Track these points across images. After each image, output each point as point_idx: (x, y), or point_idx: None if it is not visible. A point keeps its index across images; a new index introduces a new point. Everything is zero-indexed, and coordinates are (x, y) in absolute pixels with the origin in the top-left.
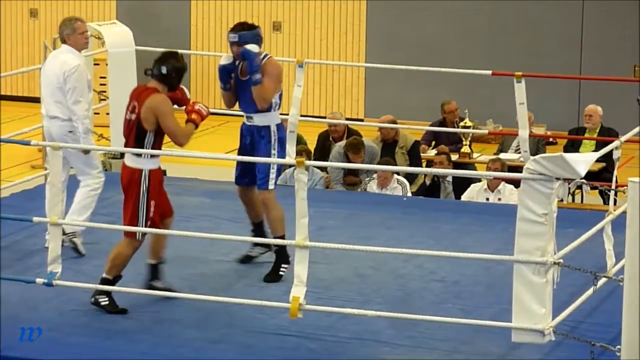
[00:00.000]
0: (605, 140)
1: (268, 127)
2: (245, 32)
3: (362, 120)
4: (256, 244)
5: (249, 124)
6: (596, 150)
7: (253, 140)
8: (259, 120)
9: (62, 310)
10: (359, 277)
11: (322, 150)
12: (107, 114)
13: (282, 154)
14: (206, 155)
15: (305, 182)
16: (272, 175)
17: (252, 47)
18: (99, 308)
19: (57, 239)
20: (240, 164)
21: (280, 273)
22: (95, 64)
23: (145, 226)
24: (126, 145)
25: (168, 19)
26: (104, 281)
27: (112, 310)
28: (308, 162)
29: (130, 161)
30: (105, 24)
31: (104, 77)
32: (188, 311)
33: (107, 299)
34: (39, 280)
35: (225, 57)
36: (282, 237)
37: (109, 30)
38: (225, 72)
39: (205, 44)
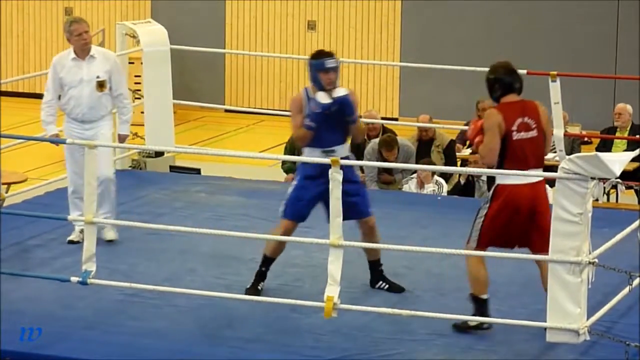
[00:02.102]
0: (631, 139)
1: (347, 157)
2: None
3: (396, 119)
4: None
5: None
6: (628, 149)
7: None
8: (341, 151)
9: (97, 308)
10: (393, 277)
11: (357, 149)
12: (142, 112)
13: None
14: (241, 154)
15: (340, 181)
16: None
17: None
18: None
19: (92, 237)
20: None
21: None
22: (130, 63)
23: None
24: (539, 166)
25: (203, 18)
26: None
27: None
28: (343, 161)
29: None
30: (140, 23)
31: (139, 76)
32: (223, 310)
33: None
34: (74, 278)
35: (323, 95)
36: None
37: (144, 29)
38: (323, 111)
39: (240, 43)
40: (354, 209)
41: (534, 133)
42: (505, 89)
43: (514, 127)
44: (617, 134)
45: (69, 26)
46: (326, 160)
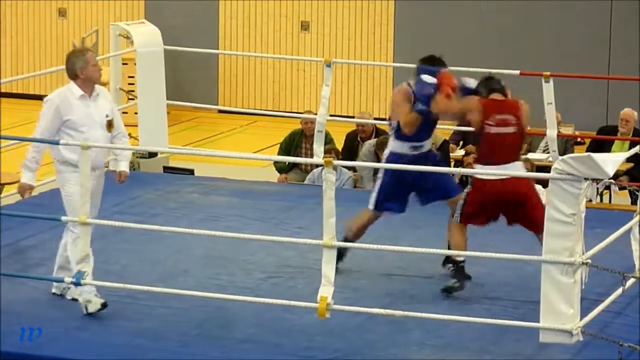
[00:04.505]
0: (635, 140)
1: (429, 151)
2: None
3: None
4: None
5: (416, 153)
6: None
7: (424, 164)
8: (427, 146)
9: None
10: (386, 277)
11: (350, 150)
12: (136, 113)
13: None
14: (234, 155)
15: (333, 181)
16: None
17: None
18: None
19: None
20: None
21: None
22: (123, 63)
23: None
24: (514, 159)
25: (196, 18)
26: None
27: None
28: (336, 162)
29: (519, 169)
30: (134, 24)
31: (132, 77)
32: (216, 311)
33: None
34: (68, 279)
35: (428, 77)
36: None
37: (138, 29)
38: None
39: (234, 43)
40: (440, 190)
41: (512, 129)
42: (489, 90)
43: (491, 122)
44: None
45: (82, 55)
46: (319, 160)
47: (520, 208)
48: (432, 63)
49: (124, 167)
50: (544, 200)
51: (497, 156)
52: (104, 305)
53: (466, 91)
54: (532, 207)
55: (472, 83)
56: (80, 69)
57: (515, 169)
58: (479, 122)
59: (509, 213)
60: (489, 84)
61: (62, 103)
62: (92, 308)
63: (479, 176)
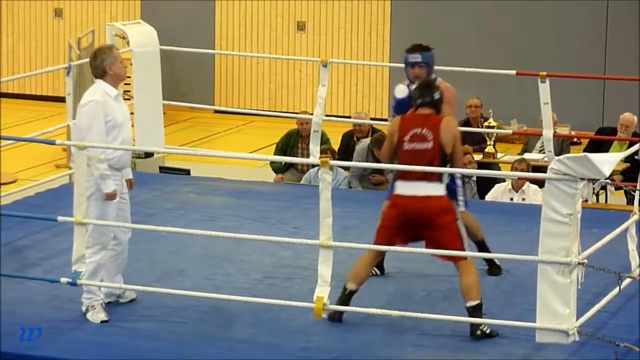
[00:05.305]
0: (630, 140)
1: None
2: (427, 52)
3: (386, 120)
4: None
5: None
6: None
7: None
8: None
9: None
10: (383, 277)
11: (346, 150)
12: (132, 113)
13: None
14: (231, 155)
15: (329, 182)
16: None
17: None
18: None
19: (81, 238)
20: None
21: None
22: None
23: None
24: (427, 176)
25: (192, 18)
26: (475, 308)
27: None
28: (332, 162)
29: (434, 189)
30: (130, 24)
31: (129, 77)
32: (213, 311)
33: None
34: (64, 279)
35: (400, 90)
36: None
37: (134, 29)
38: (403, 105)
39: (230, 43)
40: None
41: (427, 145)
42: (417, 106)
43: (407, 137)
44: (615, 141)
45: (110, 52)
46: (315, 160)
47: (426, 229)
48: (413, 51)
49: (130, 174)
50: (539, 200)
51: (414, 174)
52: (102, 322)
53: (399, 106)
54: (439, 229)
55: (402, 92)
56: (109, 65)
57: (428, 188)
58: (397, 138)
59: (418, 232)
60: (419, 97)
61: (105, 103)
62: (92, 317)
63: (396, 192)
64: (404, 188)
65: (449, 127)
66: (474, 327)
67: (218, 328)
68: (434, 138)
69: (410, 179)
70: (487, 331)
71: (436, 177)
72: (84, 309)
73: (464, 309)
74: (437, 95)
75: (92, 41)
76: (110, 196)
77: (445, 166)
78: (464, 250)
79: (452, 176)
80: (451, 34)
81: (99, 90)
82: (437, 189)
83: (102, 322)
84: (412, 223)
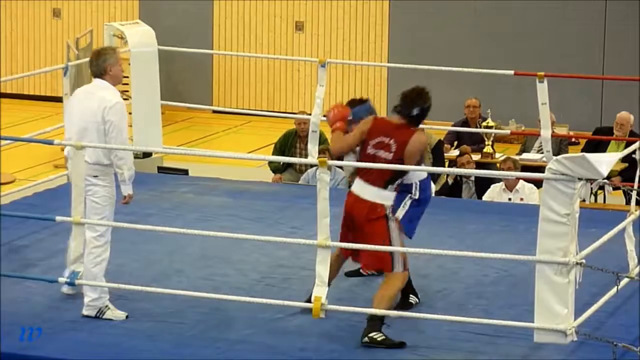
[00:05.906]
0: (631, 140)
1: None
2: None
3: None
4: None
5: None
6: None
7: None
8: None
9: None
10: (381, 278)
11: None
12: (130, 113)
13: None
14: (229, 155)
15: (327, 181)
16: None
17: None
18: (376, 345)
19: (79, 238)
20: None
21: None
22: None
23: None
24: (374, 182)
25: (191, 19)
26: (376, 318)
27: (391, 345)
28: (330, 162)
29: (375, 196)
30: (128, 24)
31: (127, 77)
32: (211, 311)
33: (382, 334)
34: (62, 279)
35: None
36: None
37: (132, 29)
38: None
39: (228, 44)
40: None
41: (387, 155)
42: (394, 108)
43: (372, 142)
44: (612, 141)
45: (114, 53)
46: (313, 160)
47: (357, 230)
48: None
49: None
50: (535, 199)
51: (367, 175)
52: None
53: (359, 113)
54: (363, 234)
55: (364, 110)
56: (111, 65)
57: (371, 193)
58: (365, 138)
59: (353, 231)
60: (399, 104)
61: (123, 105)
62: (114, 315)
63: (351, 188)
64: (355, 186)
65: (415, 144)
66: (366, 331)
67: (216, 328)
68: (396, 151)
69: (361, 179)
70: (379, 339)
71: (382, 185)
72: (93, 312)
73: (461, 309)
74: (415, 112)
75: (91, 41)
76: (131, 197)
77: (399, 178)
78: (392, 260)
79: (402, 187)
80: (449, 34)
81: (112, 89)
82: (379, 196)
83: (127, 317)
84: (349, 221)
